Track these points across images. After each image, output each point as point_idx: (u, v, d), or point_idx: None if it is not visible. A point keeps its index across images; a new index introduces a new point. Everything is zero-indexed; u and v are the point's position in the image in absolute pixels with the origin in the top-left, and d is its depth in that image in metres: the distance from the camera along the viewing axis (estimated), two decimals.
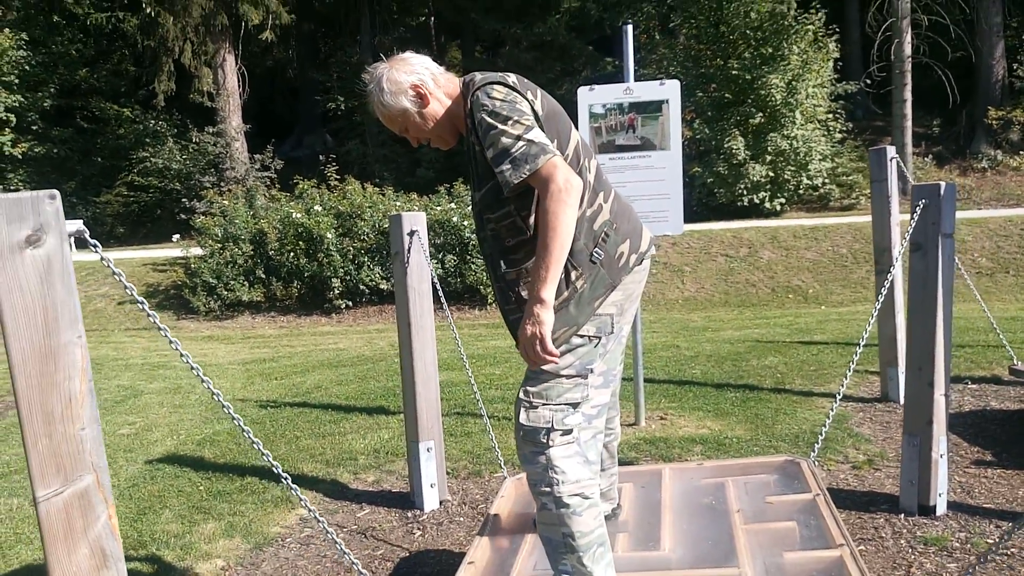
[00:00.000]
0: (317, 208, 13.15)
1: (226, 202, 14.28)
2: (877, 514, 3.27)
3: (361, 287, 12.77)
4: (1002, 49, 19.89)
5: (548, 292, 1.91)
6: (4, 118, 20.81)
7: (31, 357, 1.51)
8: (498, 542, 2.68)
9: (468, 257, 12.54)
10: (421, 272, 3.64)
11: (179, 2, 19.54)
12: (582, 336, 2.07)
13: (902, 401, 4.03)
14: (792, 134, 16.56)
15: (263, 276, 13.11)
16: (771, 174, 16.65)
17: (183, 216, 19.29)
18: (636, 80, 4.60)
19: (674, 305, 12.55)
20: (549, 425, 2.05)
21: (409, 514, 3.66)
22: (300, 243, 12.89)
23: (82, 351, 1.57)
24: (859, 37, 21.72)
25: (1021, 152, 18.80)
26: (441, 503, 3.74)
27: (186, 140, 21.42)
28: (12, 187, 21.33)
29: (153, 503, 3.89)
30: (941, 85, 18.92)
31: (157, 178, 21.07)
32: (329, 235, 12.62)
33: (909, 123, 17.19)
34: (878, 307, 3.59)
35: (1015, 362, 5.20)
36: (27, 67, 21.73)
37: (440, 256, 12.44)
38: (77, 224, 1.63)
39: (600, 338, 2.10)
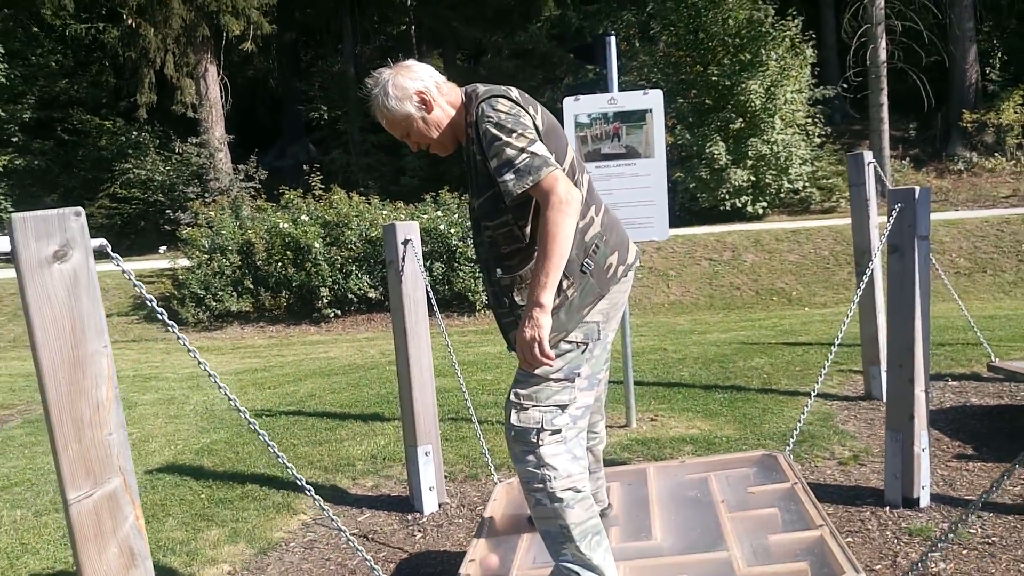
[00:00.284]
0: (304, 218, 13.20)
1: (212, 213, 14.30)
2: (863, 507, 3.39)
3: (349, 296, 12.83)
4: (975, 53, 20.27)
5: (547, 297, 1.99)
6: None
7: (60, 366, 1.59)
8: (496, 541, 2.77)
9: (456, 265, 12.63)
10: (415, 280, 3.73)
11: (160, 13, 19.53)
12: (570, 342, 2.17)
13: (885, 398, 4.16)
14: (772, 139, 16.80)
15: (251, 286, 13.14)
16: (752, 178, 16.87)
17: (167, 227, 19.25)
18: (618, 88, 4.71)
19: (660, 309, 12.69)
20: (539, 426, 2.15)
21: (409, 517, 3.73)
22: (288, 253, 12.93)
23: (108, 360, 1.65)
24: (835, 43, 22.05)
25: (996, 154, 19.15)
26: (440, 506, 3.82)
27: (169, 151, 21.37)
28: None
29: (156, 511, 3.94)
30: (916, 89, 19.25)
31: (140, 190, 21.02)
32: (316, 244, 12.67)
33: (886, 127, 17.48)
34: (853, 307, 3.71)
35: (993, 359, 5.34)
36: (5, 79, 21.62)
37: (428, 264, 12.52)
38: (100, 240, 1.71)
39: (587, 344, 2.20)
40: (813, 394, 3.52)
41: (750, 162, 16.78)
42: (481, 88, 2.18)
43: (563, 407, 2.17)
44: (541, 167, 2.00)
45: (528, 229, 2.15)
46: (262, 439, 2.03)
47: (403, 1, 26.03)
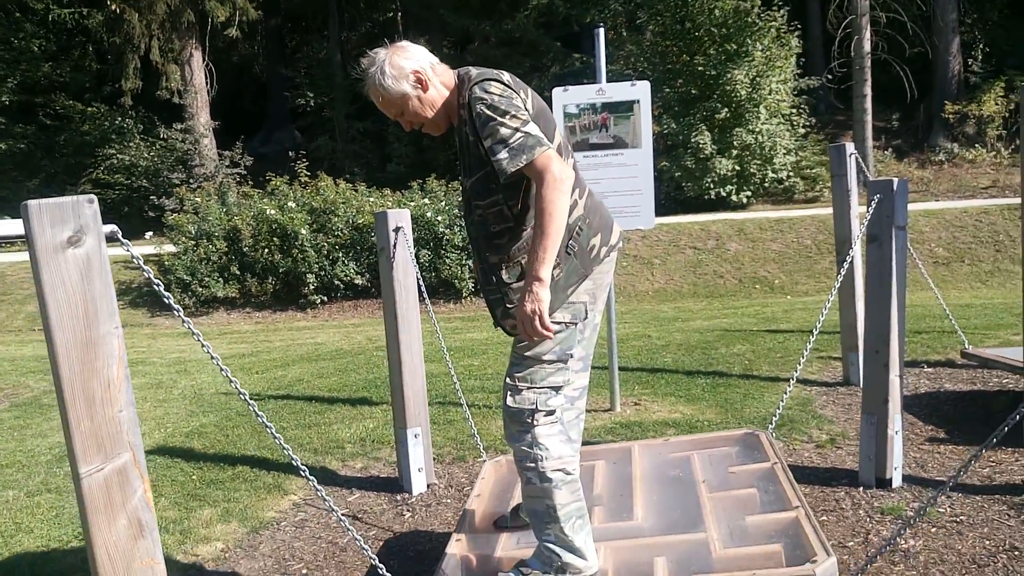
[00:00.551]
0: (291, 204, 13.21)
1: (198, 199, 14.27)
2: (838, 488, 3.51)
3: (336, 282, 12.87)
4: (957, 45, 20.47)
5: (546, 272, 2.07)
6: None
7: (73, 347, 1.66)
8: (482, 520, 2.86)
9: (443, 252, 12.69)
10: (406, 267, 3.81)
11: None
12: (559, 323, 2.24)
13: (862, 384, 4.28)
14: (757, 129, 16.92)
15: (238, 272, 13.15)
16: (737, 168, 17.01)
17: (152, 214, 19.17)
18: (605, 77, 4.80)
19: (645, 296, 12.82)
20: (533, 407, 2.23)
21: (398, 497, 3.83)
22: (274, 239, 12.95)
23: (118, 341, 1.72)
24: (821, 34, 22.18)
25: (976, 145, 19.38)
26: (428, 487, 3.92)
27: (153, 137, 21.25)
28: None
29: None
30: (900, 80, 19.43)
31: (124, 175, 20.91)
32: (303, 231, 12.69)
33: (869, 117, 17.65)
34: (834, 295, 3.82)
35: (967, 346, 5.49)
36: None
37: (415, 251, 12.58)
38: (111, 227, 1.78)
39: (576, 324, 2.27)
40: (793, 380, 3.65)
41: (735, 152, 16.90)
42: (474, 71, 2.24)
43: (557, 388, 2.25)
44: (535, 146, 2.07)
45: (517, 209, 2.22)
46: (259, 420, 2.11)
47: None
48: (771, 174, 17.45)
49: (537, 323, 2.08)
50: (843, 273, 3.97)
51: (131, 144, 21.07)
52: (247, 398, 2.08)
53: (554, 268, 2.20)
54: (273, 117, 27.76)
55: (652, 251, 14.02)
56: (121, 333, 1.72)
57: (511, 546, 2.64)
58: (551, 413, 2.24)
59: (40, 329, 12.80)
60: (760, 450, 3.13)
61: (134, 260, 1.85)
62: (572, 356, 2.27)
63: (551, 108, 4.67)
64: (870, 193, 3.38)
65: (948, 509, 3.20)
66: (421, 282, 3.89)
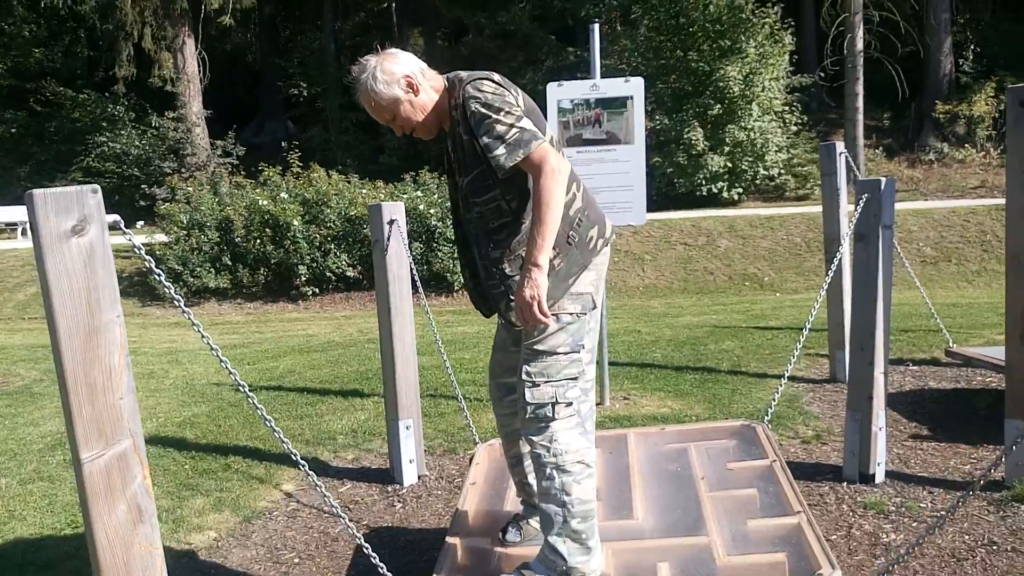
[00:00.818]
0: (283, 195, 13.20)
1: (190, 188, 14.24)
2: (822, 482, 3.57)
3: (328, 274, 12.87)
4: (949, 45, 20.59)
5: (544, 258, 2.11)
6: None
7: (76, 334, 1.69)
8: (480, 508, 2.89)
9: (435, 245, 12.72)
10: (400, 259, 3.84)
11: None
12: (570, 313, 2.29)
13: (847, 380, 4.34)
14: (749, 126, 17.00)
15: (229, 263, 13.14)
16: (729, 164, 17.09)
17: (143, 203, 19.10)
18: (600, 73, 4.83)
19: (635, 292, 12.89)
20: (553, 400, 2.26)
21: (389, 488, 3.87)
22: (266, 230, 12.94)
23: (120, 329, 1.75)
24: (814, 31, 22.27)
25: (966, 145, 19.52)
26: (419, 478, 3.96)
27: (145, 125, 21.15)
28: None
29: None
30: (892, 79, 19.53)
31: (115, 163, 20.81)
32: (295, 222, 12.69)
33: (861, 116, 17.75)
34: (823, 292, 3.88)
35: (951, 344, 5.56)
36: None
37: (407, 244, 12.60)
38: (114, 216, 1.81)
39: (585, 314, 2.32)
40: (785, 376, 3.69)
41: (727, 148, 16.98)
42: (464, 73, 2.29)
43: (574, 379, 2.28)
44: (531, 140, 2.13)
45: (515, 204, 2.27)
46: (255, 410, 2.14)
47: None
48: (762, 171, 17.55)
49: (535, 308, 2.12)
50: (832, 271, 4.03)
51: (122, 132, 20.97)
52: (246, 389, 2.11)
53: (555, 258, 2.24)
54: (266, 107, 27.67)
55: (643, 247, 14.08)
56: (123, 321, 1.75)
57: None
58: (569, 405, 2.27)
59: (30, 317, 12.77)
60: (757, 444, 3.13)
61: (135, 250, 1.88)
62: (584, 347, 2.31)
63: (545, 103, 4.72)
64: (858, 192, 3.43)
65: (930, 504, 3.27)
66: (416, 275, 3.93)
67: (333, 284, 13.13)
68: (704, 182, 17.00)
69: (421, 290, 4.10)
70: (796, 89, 18.77)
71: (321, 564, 3.13)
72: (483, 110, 2.16)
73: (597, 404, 4.95)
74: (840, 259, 5.00)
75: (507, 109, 2.16)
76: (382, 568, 2.33)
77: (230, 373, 2.02)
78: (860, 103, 17.61)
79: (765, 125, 17.24)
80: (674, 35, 18.23)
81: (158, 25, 20.22)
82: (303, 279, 12.84)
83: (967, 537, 2.95)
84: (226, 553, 3.25)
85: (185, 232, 13.29)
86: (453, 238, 12.67)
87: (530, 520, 2.64)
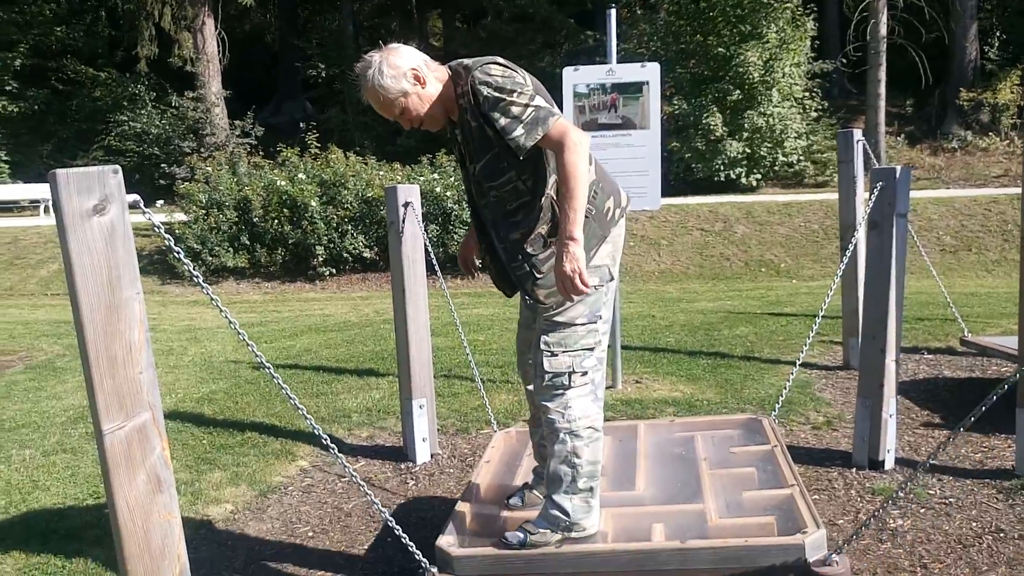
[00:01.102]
0: (301, 176, 13.27)
1: (209, 168, 14.34)
2: (832, 468, 3.59)
3: (344, 255, 12.96)
4: (975, 31, 20.27)
5: (578, 231, 2.16)
6: None
7: (97, 310, 1.74)
8: (491, 484, 2.98)
9: (451, 227, 12.75)
10: (415, 242, 3.88)
11: None
12: (590, 286, 2.33)
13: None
14: (769, 111, 16.87)
15: (247, 243, 13.25)
16: (747, 150, 16.98)
17: (163, 182, 19.25)
18: (617, 57, 4.83)
19: (650, 277, 12.88)
20: (570, 369, 2.36)
21: (402, 466, 3.93)
22: (284, 210, 13.03)
23: (140, 305, 1.80)
24: (836, 16, 21.99)
25: (990, 133, 19.26)
26: (432, 456, 4.02)
27: (165, 105, 21.27)
28: None
29: None
30: (915, 66, 19.29)
31: (135, 142, 20.96)
32: (313, 203, 12.77)
33: (883, 103, 17.55)
34: (837, 280, 3.89)
35: (967, 334, 5.54)
36: None
37: (424, 226, 12.66)
38: (134, 196, 1.85)
39: (603, 286, 2.39)
40: (798, 363, 3.70)
41: (746, 134, 16.86)
42: (468, 60, 2.31)
43: (590, 350, 2.38)
44: (547, 117, 2.16)
45: (531, 182, 2.30)
46: (276, 384, 2.20)
47: None
48: (781, 157, 17.42)
49: (577, 280, 2.16)
50: (846, 259, 4.02)
51: (143, 111, 21.12)
52: (267, 365, 2.16)
53: None
54: (284, 88, 27.72)
55: (659, 232, 14.05)
56: (142, 298, 1.80)
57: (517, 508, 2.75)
58: (585, 374, 2.38)
59: (53, 294, 12.96)
60: (762, 434, 3.22)
61: (155, 229, 1.92)
62: (601, 318, 2.39)
63: (561, 87, 4.73)
64: (873, 180, 3.43)
65: (938, 491, 3.28)
66: (433, 257, 3.97)
67: (350, 265, 13.22)
68: (722, 168, 16.90)
69: (439, 272, 4.14)
70: (817, 75, 18.57)
71: (335, 538, 3.20)
72: (496, 94, 2.18)
73: (609, 387, 5.00)
74: (855, 247, 4.99)
75: (519, 90, 2.19)
76: (411, 546, 2.39)
77: (250, 347, 2.07)
78: (882, 90, 17.41)
79: (785, 111, 17.10)
80: (694, 19, 18.07)
81: (178, 5, 20.29)
82: (320, 259, 12.94)
83: (974, 524, 2.96)
84: (242, 525, 3.32)
85: (204, 211, 13.40)
86: (469, 221, 12.71)
87: (535, 489, 2.75)
